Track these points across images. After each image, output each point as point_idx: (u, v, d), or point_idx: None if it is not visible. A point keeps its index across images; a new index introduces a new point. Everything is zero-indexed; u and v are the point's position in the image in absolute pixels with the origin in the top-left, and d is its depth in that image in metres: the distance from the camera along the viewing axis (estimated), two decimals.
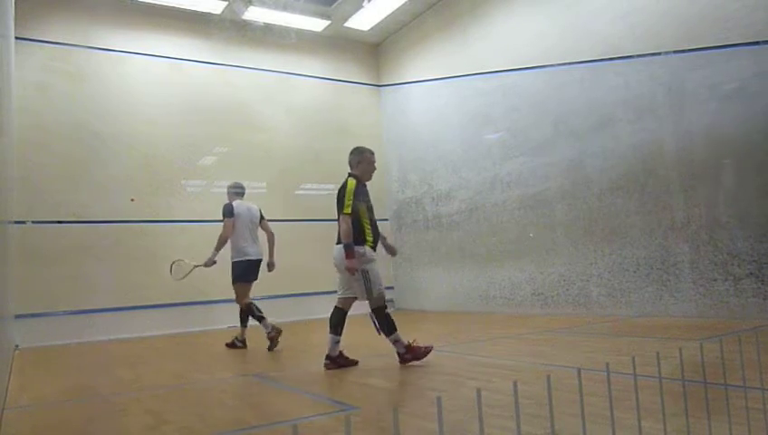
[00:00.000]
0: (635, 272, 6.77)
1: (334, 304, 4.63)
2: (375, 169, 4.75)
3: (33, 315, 7.86)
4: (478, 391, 1.13)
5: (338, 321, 4.52)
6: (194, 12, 9.56)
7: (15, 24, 7.50)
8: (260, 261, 6.31)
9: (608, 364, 1.49)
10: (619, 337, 5.30)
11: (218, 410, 3.34)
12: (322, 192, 11.00)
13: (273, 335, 5.91)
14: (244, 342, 6.30)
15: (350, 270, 4.34)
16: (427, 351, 4.34)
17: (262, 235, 6.49)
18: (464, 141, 9.57)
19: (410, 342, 4.40)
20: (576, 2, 7.66)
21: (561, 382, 3.37)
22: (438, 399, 1.03)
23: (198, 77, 9.85)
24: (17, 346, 7.07)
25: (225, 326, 9.21)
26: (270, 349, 5.91)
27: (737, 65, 5.90)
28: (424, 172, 10.53)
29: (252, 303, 6.20)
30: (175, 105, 9.56)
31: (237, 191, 6.42)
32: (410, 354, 4.34)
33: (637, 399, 1.52)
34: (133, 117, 9.16)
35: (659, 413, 1.60)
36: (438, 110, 10.19)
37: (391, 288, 11.25)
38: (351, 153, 4.73)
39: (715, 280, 5.99)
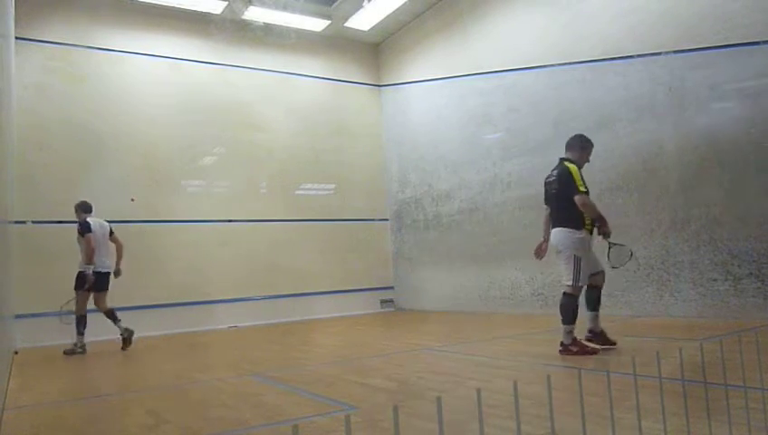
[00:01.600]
0: (635, 272, 6.76)
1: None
2: (589, 162, 4.81)
3: (33, 315, 7.85)
4: (478, 391, 1.13)
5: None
6: (194, 12, 9.56)
7: (15, 24, 7.49)
8: (108, 273, 6.92)
9: (608, 364, 1.49)
10: (619, 337, 5.29)
11: (218, 410, 3.34)
12: (322, 192, 11.00)
13: (126, 337, 6.72)
14: (83, 348, 6.71)
15: (608, 232, 4.46)
16: (593, 351, 4.35)
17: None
18: (464, 141, 9.56)
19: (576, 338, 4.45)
20: (576, 2, 7.66)
21: (561, 382, 3.37)
22: (438, 399, 1.03)
23: (198, 77, 9.84)
24: (17, 352, 7.06)
25: (226, 326, 9.23)
26: (123, 349, 6.68)
27: (737, 65, 5.90)
28: (424, 172, 10.52)
29: (85, 313, 6.74)
30: (175, 105, 9.56)
31: (86, 209, 6.97)
32: (576, 348, 4.38)
33: (637, 399, 1.52)
34: (133, 117, 9.16)
35: (659, 413, 1.60)
36: (438, 110, 10.19)
37: (391, 288, 11.26)
38: (576, 137, 4.81)
39: (715, 280, 5.98)
